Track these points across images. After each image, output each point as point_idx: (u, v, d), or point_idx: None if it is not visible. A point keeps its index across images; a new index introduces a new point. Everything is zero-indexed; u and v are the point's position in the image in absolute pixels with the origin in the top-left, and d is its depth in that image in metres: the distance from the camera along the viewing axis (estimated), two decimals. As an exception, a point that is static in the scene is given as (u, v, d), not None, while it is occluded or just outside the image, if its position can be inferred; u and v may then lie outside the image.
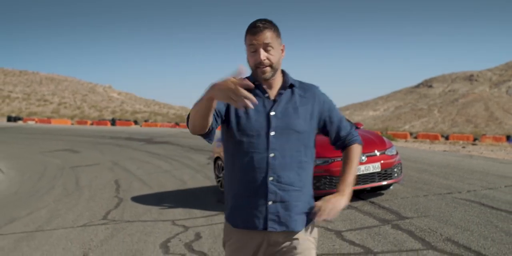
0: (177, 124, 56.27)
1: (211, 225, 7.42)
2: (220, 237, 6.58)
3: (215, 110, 2.60)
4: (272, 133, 2.57)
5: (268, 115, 2.60)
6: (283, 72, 2.73)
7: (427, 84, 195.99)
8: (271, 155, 2.55)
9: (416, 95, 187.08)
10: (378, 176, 8.41)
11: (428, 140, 33.24)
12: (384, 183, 8.50)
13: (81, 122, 60.51)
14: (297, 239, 2.60)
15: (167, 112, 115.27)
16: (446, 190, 9.14)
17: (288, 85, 2.68)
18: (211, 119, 2.52)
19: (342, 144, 2.82)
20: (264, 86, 2.67)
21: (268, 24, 2.58)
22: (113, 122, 58.73)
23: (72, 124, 59.17)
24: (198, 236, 6.72)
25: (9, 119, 62.61)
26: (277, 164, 2.55)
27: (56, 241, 6.96)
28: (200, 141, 25.13)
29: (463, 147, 22.51)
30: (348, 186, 2.67)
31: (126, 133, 34.58)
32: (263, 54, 2.55)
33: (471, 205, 7.78)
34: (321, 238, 6.19)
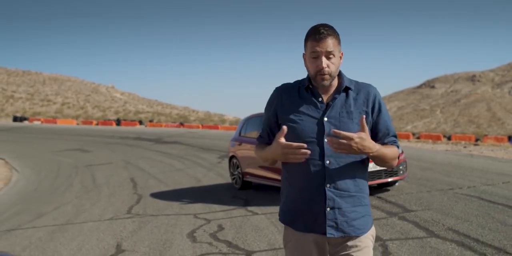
0: (181, 124, 56.90)
1: (231, 218, 8.01)
2: (241, 229, 7.18)
3: (271, 131, 2.75)
4: (326, 140, 2.50)
5: (321, 121, 2.57)
6: (340, 74, 2.68)
7: (430, 84, 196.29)
8: (327, 162, 2.53)
9: (418, 95, 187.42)
10: (384, 173, 8.99)
11: (430, 141, 33.76)
12: (390, 179, 9.10)
13: (86, 122, 61.16)
14: (356, 239, 2.62)
15: (170, 112, 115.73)
16: (448, 186, 9.74)
17: (343, 88, 2.63)
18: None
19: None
20: (319, 90, 2.64)
21: (331, 30, 2.56)
22: (118, 122, 59.38)
23: (78, 124, 59.78)
24: (220, 228, 7.32)
25: (15, 119, 63.22)
26: (333, 170, 2.54)
27: (88, 233, 7.55)
28: (208, 141, 25.74)
29: (465, 147, 23.06)
30: (381, 147, 2.53)
31: (134, 133, 35.17)
32: (325, 62, 2.53)
33: (471, 199, 8.39)
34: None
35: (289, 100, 2.66)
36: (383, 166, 2.67)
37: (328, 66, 2.53)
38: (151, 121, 68.97)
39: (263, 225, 7.32)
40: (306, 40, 2.59)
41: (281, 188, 2.79)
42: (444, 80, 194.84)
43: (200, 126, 53.14)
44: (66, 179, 14.35)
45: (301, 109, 2.61)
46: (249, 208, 8.76)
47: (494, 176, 11.00)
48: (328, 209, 2.54)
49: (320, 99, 2.62)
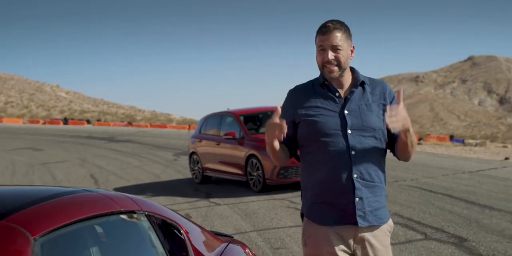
0: (130, 123, 56.69)
1: (196, 208, 8.63)
2: (207, 217, 7.80)
3: (287, 137, 2.64)
4: (349, 132, 2.60)
5: (342, 114, 2.64)
6: (352, 69, 2.75)
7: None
8: (353, 153, 2.59)
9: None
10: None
11: (375, 139, 34.80)
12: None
13: (33, 121, 60.24)
14: (378, 233, 2.67)
15: (116, 112, 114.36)
16: (393, 179, 10.61)
17: (359, 82, 2.70)
18: (286, 151, 2.72)
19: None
20: (335, 85, 2.70)
21: (339, 25, 2.63)
22: (66, 121, 58.71)
23: (24, 123, 58.83)
24: (188, 216, 7.90)
25: (-42, 118, 61.71)
26: (358, 161, 2.59)
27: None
28: (161, 139, 26.10)
29: (408, 144, 24.24)
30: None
31: (84, 132, 35.04)
32: (330, 54, 2.60)
33: (413, 190, 9.31)
34: (285, 215, 7.48)
35: (305, 98, 2.71)
36: (406, 154, 2.69)
37: (335, 58, 2.62)
38: (99, 120, 68.36)
39: (227, 214, 7.96)
40: (316, 35, 2.67)
41: (301, 185, 2.80)
42: (389, 80, 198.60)
43: (149, 125, 53.19)
44: (24, 176, 14.55)
45: (320, 104, 2.67)
46: (211, 199, 9.38)
47: (434, 170, 12.00)
48: (357, 199, 2.59)
49: (337, 93, 2.69)
